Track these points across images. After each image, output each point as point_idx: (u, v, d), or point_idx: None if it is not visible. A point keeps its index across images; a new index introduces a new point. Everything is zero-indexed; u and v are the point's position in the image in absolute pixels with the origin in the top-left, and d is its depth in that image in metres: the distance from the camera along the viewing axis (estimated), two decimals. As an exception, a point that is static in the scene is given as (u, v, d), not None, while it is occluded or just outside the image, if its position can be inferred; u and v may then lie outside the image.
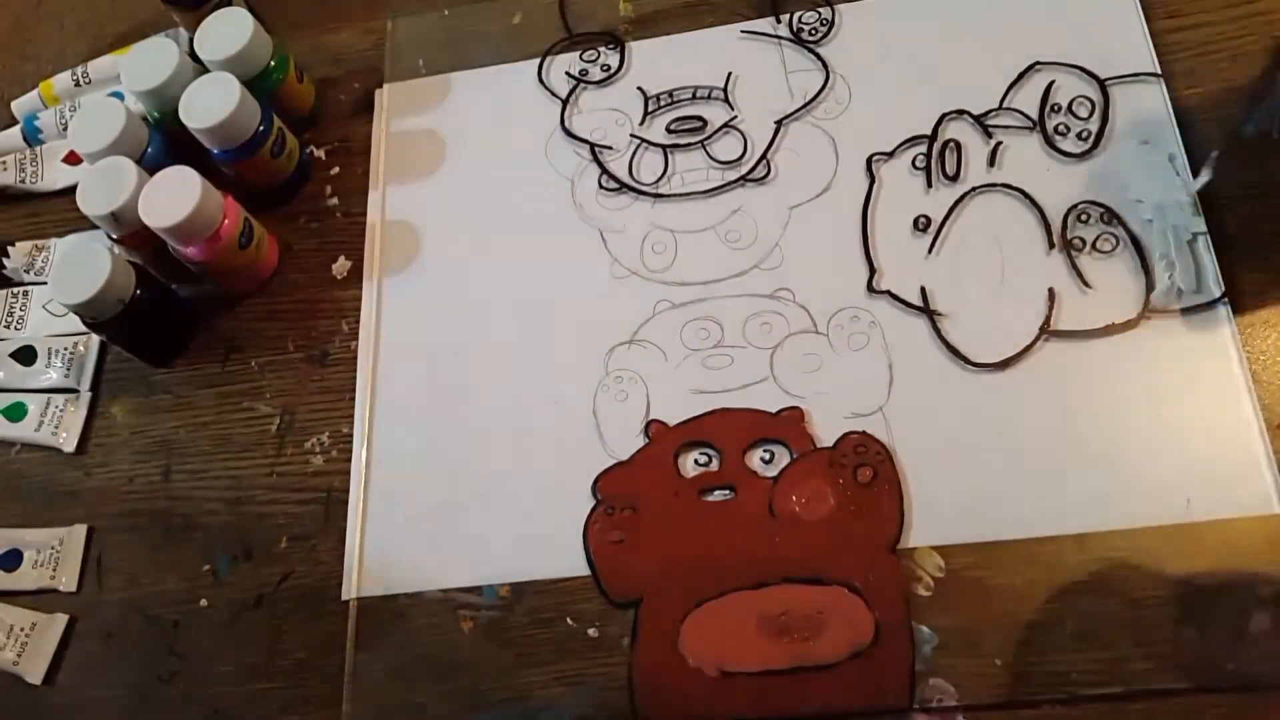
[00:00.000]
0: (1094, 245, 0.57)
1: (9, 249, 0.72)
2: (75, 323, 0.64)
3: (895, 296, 0.58)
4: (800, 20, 0.67)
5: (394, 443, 0.61)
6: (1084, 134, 0.60)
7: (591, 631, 0.55)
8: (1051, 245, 0.58)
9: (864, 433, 0.56)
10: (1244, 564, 0.50)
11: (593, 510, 0.57)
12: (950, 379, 0.56)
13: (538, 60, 0.70)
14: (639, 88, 0.68)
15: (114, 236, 0.64)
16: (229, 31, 0.65)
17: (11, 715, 0.60)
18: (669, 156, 0.66)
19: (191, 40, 0.67)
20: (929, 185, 0.61)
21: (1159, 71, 0.60)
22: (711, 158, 0.65)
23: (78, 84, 0.75)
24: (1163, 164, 0.58)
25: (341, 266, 0.67)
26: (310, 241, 0.68)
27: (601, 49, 0.70)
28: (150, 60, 0.65)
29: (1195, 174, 0.57)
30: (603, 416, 0.59)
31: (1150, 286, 0.55)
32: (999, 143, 0.61)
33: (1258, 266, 0.55)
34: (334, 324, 0.65)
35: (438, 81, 0.71)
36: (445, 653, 0.56)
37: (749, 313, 0.60)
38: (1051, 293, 0.57)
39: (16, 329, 0.70)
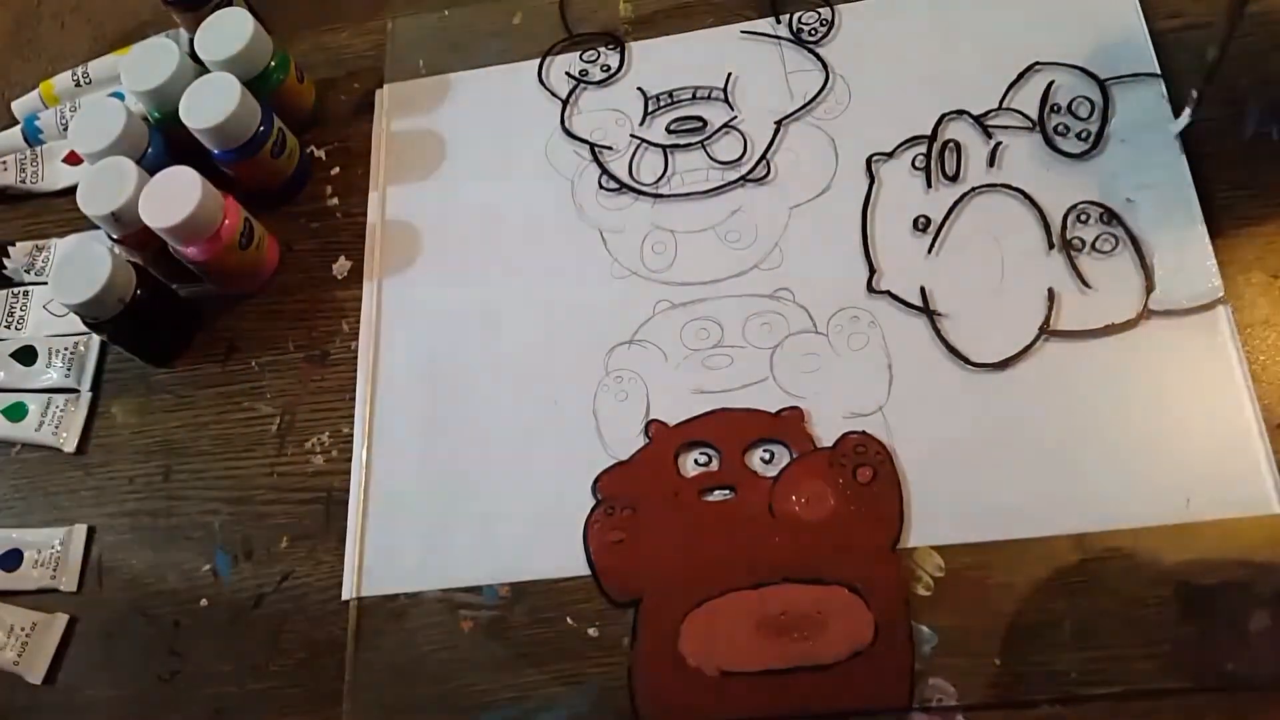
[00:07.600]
0: (1094, 245, 0.57)
1: (9, 249, 0.72)
2: (75, 323, 0.64)
3: (895, 296, 0.58)
4: (800, 20, 0.67)
5: (394, 443, 0.61)
6: (1084, 134, 0.60)
7: (591, 631, 0.55)
8: (1051, 245, 0.58)
9: (864, 433, 0.56)
10: (1244, 564, 0.50)
11: (593, 510, 0.57)
12: (950, 379, 0.56)
13: (538, 60, 0.70)
14: (639, 88, 0.68)
15: (114, 237, 0.64)
16: (229, 31, 0.66)
17: (11, 715, 0.60)
18: (669, 156, 0.65)
19: (192, 40, 0.67)
20: (929, 185, 0.61)
21: (1159, 71, 0.60)
22: (711, 158, 0.65)
23: (78, 84, 0.75)
24: (1163, 163, 0.58)
25: (341, 267, 0.67)
26: (310, 242, 0.68)
27: (601, 49, 0.70)
28: (150, 60, 0.66)
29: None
30: (603, 416, 0.59)
31: (1150, 287, 0.55)
32: (999, 143, 0.61)
33: (1257, 266, 0.55)
34: (334, 324, 0.65)
35: (438, 82, 0.71)
36: (445, 653, 0.56)
37: (749, 313, 0.60)
38: (1051, 293, 0.57)
39: (17, 329, 0.70)
